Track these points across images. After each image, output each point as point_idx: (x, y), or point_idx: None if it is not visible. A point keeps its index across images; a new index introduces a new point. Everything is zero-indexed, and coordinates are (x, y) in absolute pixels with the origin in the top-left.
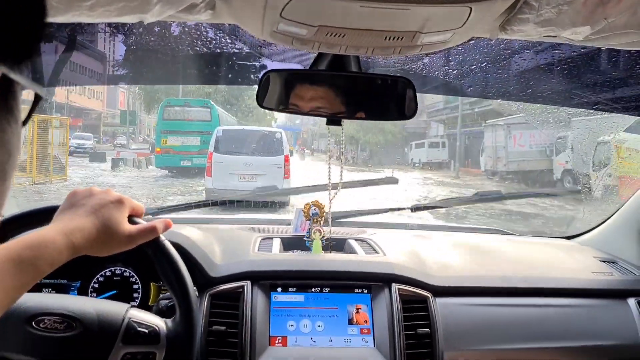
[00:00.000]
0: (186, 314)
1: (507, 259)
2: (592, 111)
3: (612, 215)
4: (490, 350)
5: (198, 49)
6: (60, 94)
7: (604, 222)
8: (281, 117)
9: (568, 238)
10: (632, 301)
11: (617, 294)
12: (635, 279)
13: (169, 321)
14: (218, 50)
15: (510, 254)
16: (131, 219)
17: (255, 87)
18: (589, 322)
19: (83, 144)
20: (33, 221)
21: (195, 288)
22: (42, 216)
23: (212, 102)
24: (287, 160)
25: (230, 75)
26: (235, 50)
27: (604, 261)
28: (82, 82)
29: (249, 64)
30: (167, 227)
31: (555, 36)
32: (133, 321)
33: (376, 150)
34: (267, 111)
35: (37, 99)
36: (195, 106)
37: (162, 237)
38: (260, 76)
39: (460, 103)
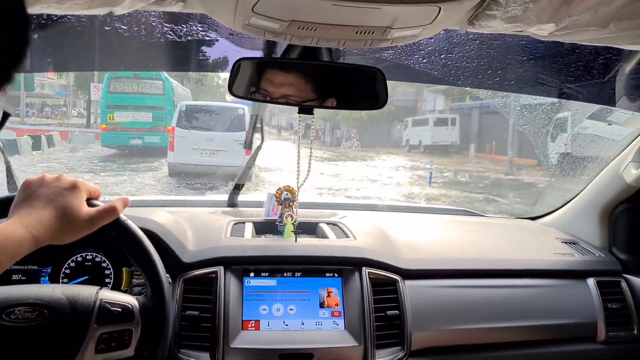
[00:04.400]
0: (157, 288)
1: (474, 241)
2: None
3: (575, 197)
4: (457, 330)
5: (159, 35)
6: None
7: (567, 203)
8: None
9: (532, 219)
10: (591, 281)
11: (577, 275)
12: (594, 260)
13: (141, 298)
14: (174, 37)
15: (477, 236)
16: (89, 202)
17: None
18: (551, 302)
19: None
20: None
21: (168, 275)
22: None
23: (165, 74)
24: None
25: (180, 61)
26: (197, 37)
27: (565, 242)
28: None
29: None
30: (125, 204)
31: (521, 31)
32: (105, 302)
33: (355, 128)
34: (220, 82)
35: (5, 116)
36: (146, 78)
37: (123, 216)
38: (210, 60)
39: None
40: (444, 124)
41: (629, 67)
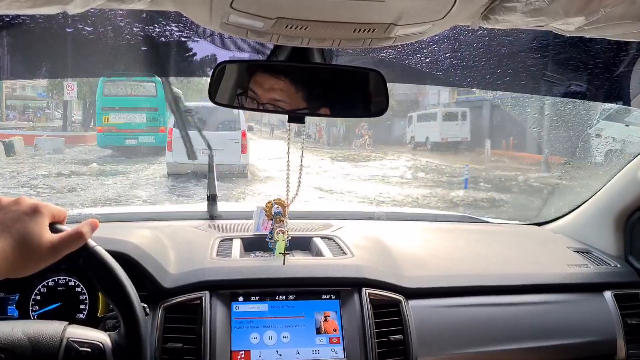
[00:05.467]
0: (131, 324)
1: (481, 253)
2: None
3: (585, 202)
4: (466, 354)
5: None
6: None
7: (576, 208)
8: None
9: (539, 224)
10: (608, 294)
11: (593, 288)
12: (610, 271)
13: (114, 334)
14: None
15: (484, 247)
16: (53, 227)
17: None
18: (566, 319)
19: None
20: None
21: (145, 305)
22: None
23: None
24: (244, 135)
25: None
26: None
27: (578, 252)
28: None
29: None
30: (93, 228)
31: (543, 26)
32: (72, 341)
33: (352, 125)
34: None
35: None
36: (139, 80)
37: (92, 242)
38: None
39: None
40: (454, 118)
41: None
